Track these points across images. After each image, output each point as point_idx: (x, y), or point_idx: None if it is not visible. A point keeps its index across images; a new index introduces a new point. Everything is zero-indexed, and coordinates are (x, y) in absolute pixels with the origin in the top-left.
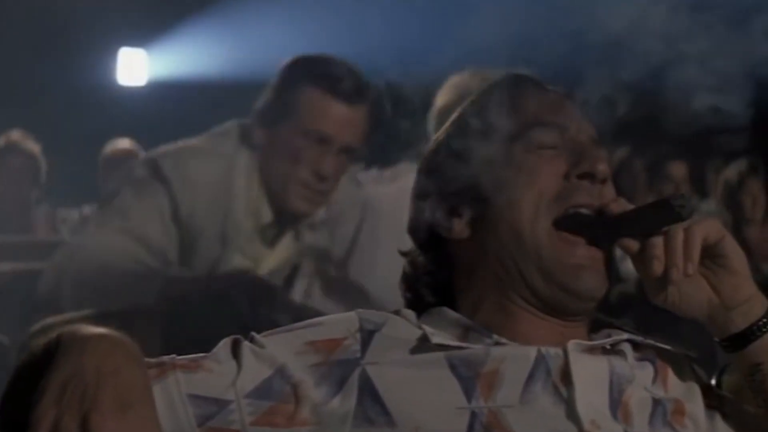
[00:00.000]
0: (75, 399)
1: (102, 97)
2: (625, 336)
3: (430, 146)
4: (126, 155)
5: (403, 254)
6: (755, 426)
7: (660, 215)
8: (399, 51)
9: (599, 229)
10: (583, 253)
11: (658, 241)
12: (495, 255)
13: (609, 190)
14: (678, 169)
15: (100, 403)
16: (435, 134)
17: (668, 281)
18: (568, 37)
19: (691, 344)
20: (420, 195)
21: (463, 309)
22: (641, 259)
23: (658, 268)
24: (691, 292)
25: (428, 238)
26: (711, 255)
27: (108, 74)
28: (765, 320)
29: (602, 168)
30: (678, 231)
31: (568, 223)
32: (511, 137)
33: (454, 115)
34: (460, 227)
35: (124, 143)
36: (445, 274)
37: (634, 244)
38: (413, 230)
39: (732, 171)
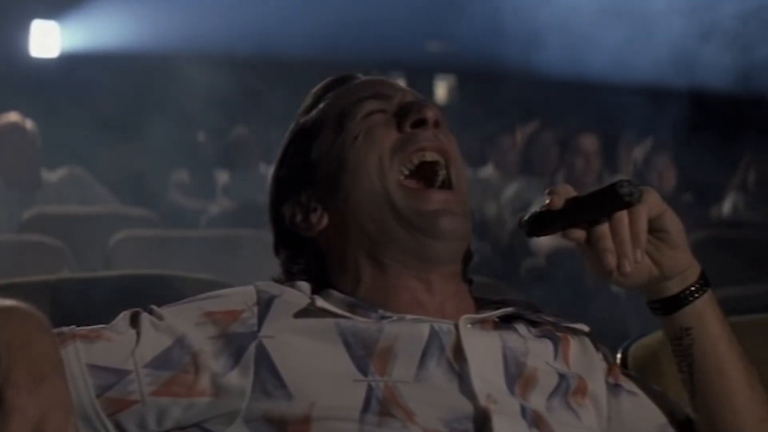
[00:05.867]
0: None
1: (14, 68)
2: (511, 309)
3: (277, 157)
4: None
5: (278, 281)
6: (660, 402)
7: (607, 203)
8: (312, 24)
9: (542, 218)
10: (438, 197)
11: (605, 232)
12: (356, 224)
13: (446, 135)
14: (589, 143)
15: (14, 377)
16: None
17: (621, 272)
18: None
19: (599, 319)
20: (275, 205)
21: (345, 291)
22: (589, 247)
23: (612, 261)
24: (638, 263)
25: (295, 246)
26: (652, 229)
27: (20, 46)
28: (698, 286)
29: (431, 113)
30: (623, 217)
31: (529, 229)
32: (340, 115)
33: (291, 126)
34: (317, 218)
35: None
36: (319, 269)
37: (581, 234)
38: (279, 248)
39: (639, 150)
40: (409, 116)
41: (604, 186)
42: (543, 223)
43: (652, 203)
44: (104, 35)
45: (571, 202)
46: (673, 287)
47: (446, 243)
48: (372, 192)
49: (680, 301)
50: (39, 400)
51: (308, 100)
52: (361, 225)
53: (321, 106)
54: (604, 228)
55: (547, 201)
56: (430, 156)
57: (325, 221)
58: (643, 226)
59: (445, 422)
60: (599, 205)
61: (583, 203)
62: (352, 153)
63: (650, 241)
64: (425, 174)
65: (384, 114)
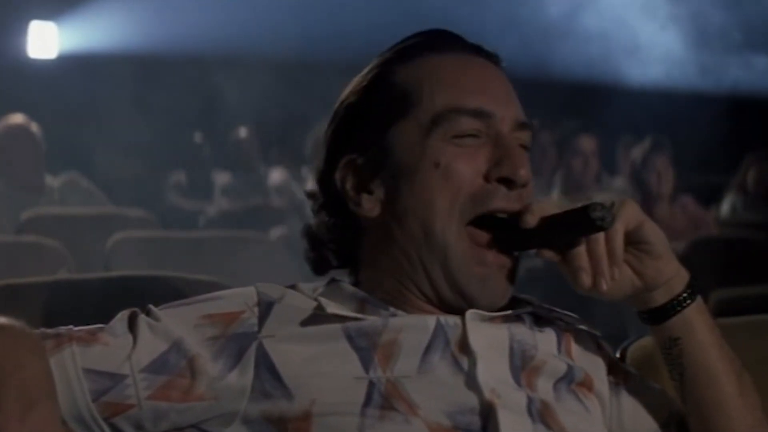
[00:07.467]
0: None
1: (12, 69)
2: (529, 308)
3: (345, 96)
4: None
5: (309, 195)
6: (660, 402)
7: (580, 227)
8: (310, 26)
9: (515, 236)
10: (493, 260)
11: (580, 250)
12: (402, 246)
13: (529, 194)
14: (587, 144)
15: (4, 403)
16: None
17: (598, 290)
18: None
19: (599, 320)
20: (332, 153)
21: (363, 283)
22: (566, 265)
23: (586, 280)
24: (615, 280)
25: (336, 200)
26: (632, 241)
27: (19, 47)
28: (684, 296)
29: (523, 173)
30: (599, 235)
31: (483, 223)
32: (434, 117)
33: (370, 67)
34: (369, 205)
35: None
36: (351, 243)
37: (554, 255)
38: (322, 182)
39: (637, 150)
40: (500, 167)
41: (576, 207)
42: (517, 240)
43: (629, 216)
44: (102, 36)
45: (545, 221)
46: (659, 298)
47: (480, 308)
48: (430, 234)
49: (667, 311)
50: (29, 427)
51: (402, 47)
52: (405, 250)
53: (417, 65)
54: (581, 250)
55: (522, 219)
56: (502, 215)
57: (375, 212)
58: (619, 243)
59: (448, 414)
60: (572, 227)
61: (557, 223)
62: (426, 179)
63: (631, 252)
64: (490, 221)
65: (476, 139)
